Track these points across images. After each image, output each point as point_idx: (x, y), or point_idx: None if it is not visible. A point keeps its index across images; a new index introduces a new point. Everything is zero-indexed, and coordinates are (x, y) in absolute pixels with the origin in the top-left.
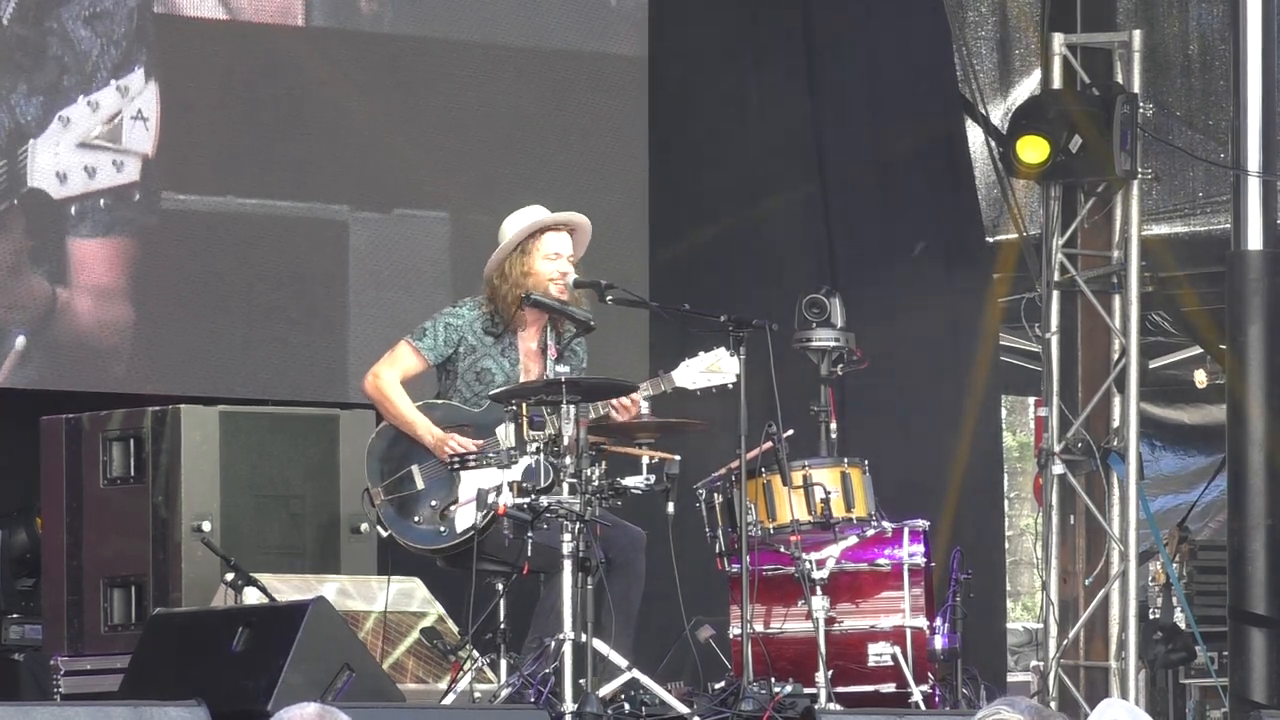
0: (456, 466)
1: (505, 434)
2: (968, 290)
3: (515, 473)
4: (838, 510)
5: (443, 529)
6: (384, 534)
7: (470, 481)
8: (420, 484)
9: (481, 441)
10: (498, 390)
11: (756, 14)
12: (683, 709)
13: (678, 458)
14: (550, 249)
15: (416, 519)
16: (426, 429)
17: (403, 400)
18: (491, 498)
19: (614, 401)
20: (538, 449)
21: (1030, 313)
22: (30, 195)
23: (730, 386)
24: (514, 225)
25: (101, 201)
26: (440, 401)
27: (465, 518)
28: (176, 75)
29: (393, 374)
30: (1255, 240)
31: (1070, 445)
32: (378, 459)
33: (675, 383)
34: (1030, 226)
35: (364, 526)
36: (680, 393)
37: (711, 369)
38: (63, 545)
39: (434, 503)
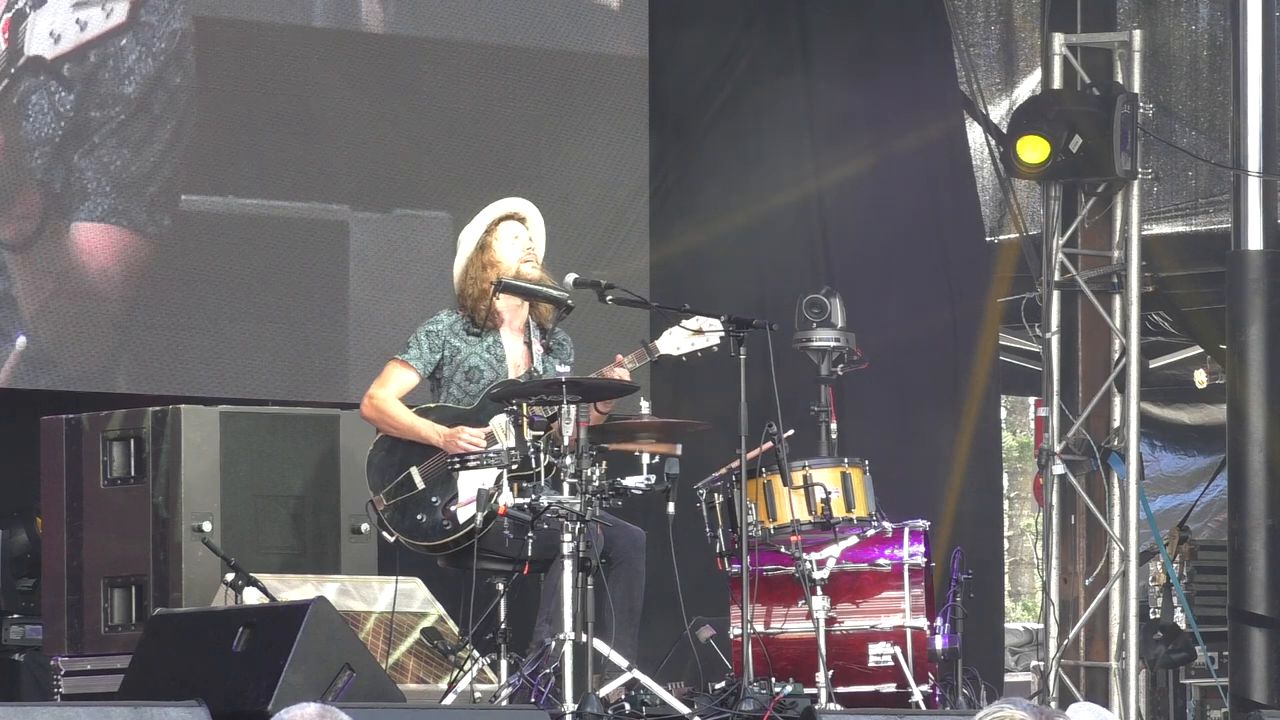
0: (456, 467)
1: (500, 425)
2: (968, 290)
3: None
4: (838, 510)
5: (447, 523)
6: (390, 539)
7: (469, 477)
8: (420, 484)
9: (488, 428)
10: (497, 390)
11: (756, 14)
12: (683, 709)
13: (679, 451)
14: (508, 236)
15: (420, 517)
16: (432, 429)
17: (401, 411)
18: (493, 497)
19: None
20: (537, 444)
21: (1030, 313)
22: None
23: (715, 349)
24: (465, 232)
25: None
26: (432, 405)
27: (467, 512)
28: (176, 76)
29: (385, 392)
30: (1255, 240)
31: (1070, 445)
32: (377, 469)
33: (661, 350)
34: (1030, 226)
35: (364, 527)
36: (669, 363)
37: (696, 333)
38: (63, 545)
39: (435, 499)
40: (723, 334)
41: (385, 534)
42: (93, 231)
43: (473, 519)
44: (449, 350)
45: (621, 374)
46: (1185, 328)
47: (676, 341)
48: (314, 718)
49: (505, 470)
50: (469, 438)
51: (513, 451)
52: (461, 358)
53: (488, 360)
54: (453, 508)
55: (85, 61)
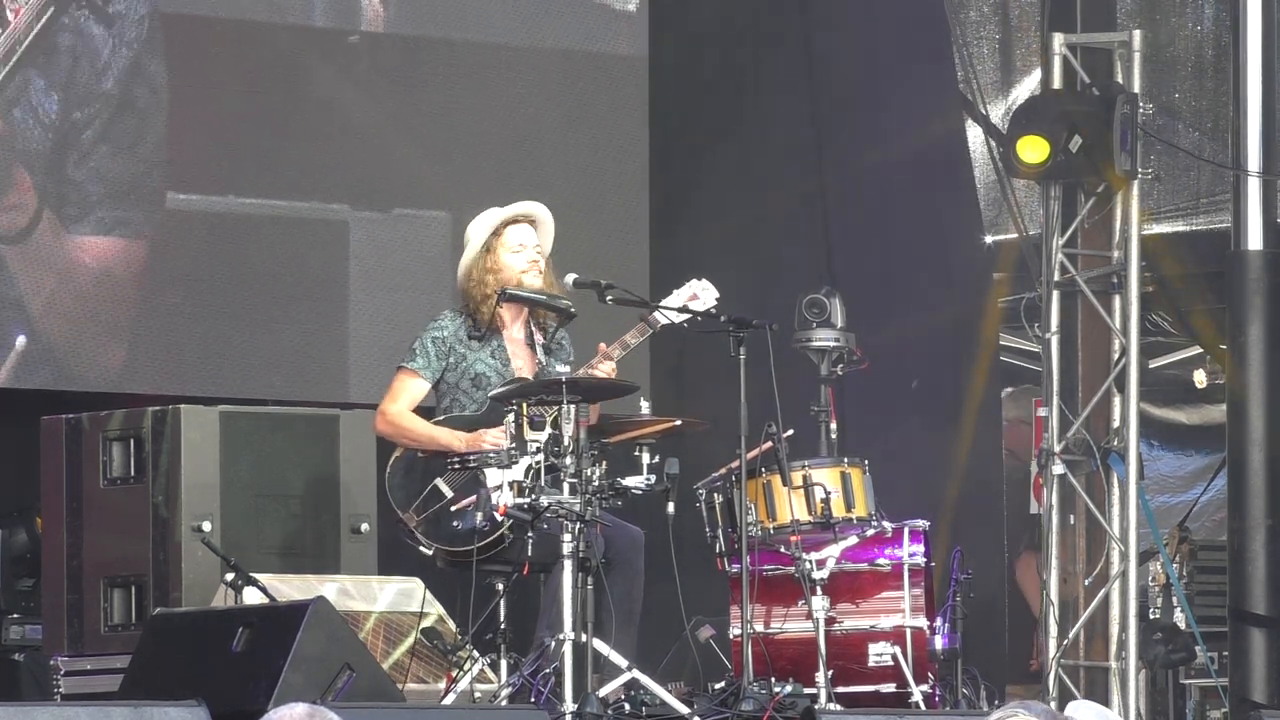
0: (456, 468)
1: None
2: (967, 290)
3: (516, 473)
4: (838, 510)
5: (485, 524)
6: (428, 552)
7: (495, 475)
8: (449, 493)
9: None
10: (498, 390)
11: (756, 14)
12: (683, 709)
13: (678, 421)
14: (514, 241)
15: (456, 524)
16: (453, 436)
17: (418, 423)
18: (496, 498)
19: (594, 368)
20: (538, 449)
21: (1030, 313)
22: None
23: (714, 310)
24: (474, 228)
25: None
26: (443, 418)
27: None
28: (178, 74)
29: (398, 406)
30: (1255, 240)
31: (1070, 445)
32: (399, 489)
33: (660, 322)
34: (1030, 226)
35: (364, 527)
36: (670, 331)
37: (690, 299)
38: (63, 545)
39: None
40: (717, 296)
41: (422, 549)
42: (93, 231)
43: (516, 507)
44: (454, 357)
45: (608, 367)
46: (1185, 328)
47: (673, 312)
48: (303, 717)
49: (507, 468)
50: (491, 440)
51: (513, 451)
52: (467, 365)
53: (493, 365)
54: (488, 507)
55: (58, 57)
